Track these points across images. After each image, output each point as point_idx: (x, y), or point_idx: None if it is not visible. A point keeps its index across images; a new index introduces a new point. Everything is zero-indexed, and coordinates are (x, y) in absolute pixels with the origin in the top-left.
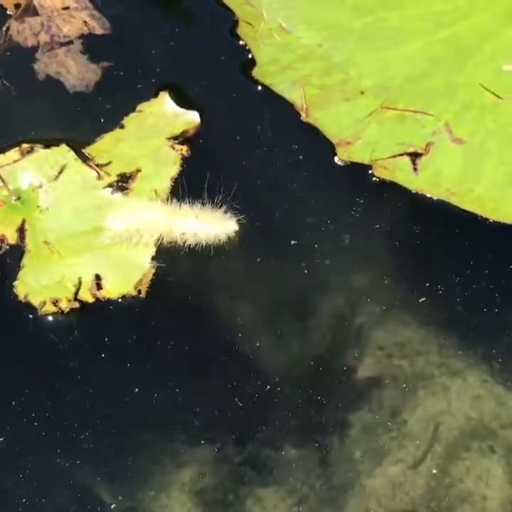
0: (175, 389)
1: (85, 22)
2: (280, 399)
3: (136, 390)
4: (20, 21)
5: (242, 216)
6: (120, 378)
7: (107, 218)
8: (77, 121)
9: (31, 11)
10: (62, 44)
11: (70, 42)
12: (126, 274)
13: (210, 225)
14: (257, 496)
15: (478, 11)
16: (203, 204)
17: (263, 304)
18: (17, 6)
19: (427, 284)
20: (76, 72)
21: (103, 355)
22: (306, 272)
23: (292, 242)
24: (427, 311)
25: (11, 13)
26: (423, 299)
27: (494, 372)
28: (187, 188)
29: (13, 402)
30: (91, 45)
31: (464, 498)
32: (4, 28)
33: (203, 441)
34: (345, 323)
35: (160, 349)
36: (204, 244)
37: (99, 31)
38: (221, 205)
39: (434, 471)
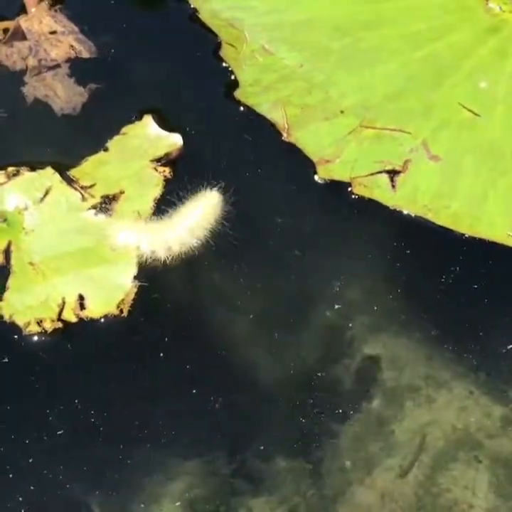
0: (164, 402)
1: (72, 46)
2: (270, 410)
3: (124, 404)
4: (9, 45)
5: (227, 227)
6: (108, 394)
7: (110, 233)
8: (63, 144)
9: (19, 35)
10: (49, 68)
11: (58, 65)
12: (108, 294)
13: (198, 209)
14: (248, 507)
15: (455, 30)
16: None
17: (250, 316)
18: (5, 30)
19: (409, 298)
20: (63, 95)
21: (89, 373)
22: (289, 285)
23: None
24: (410, 319)
25: None
26: (403, 315)
27: (480, 383)
28: (170, 209)
29: (3, 417)
30: (78, 69)
31: (451, 507)
32: None
33: (194, 453)
34: (335, 336)
35: (147, 365)
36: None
37: (85, 55)
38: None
39: (421, 480)
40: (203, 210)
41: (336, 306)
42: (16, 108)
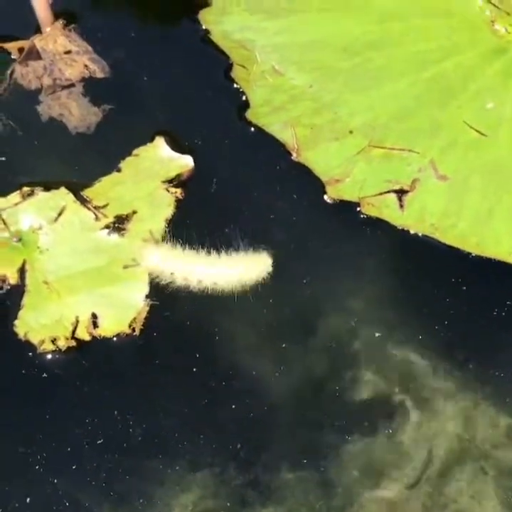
0: (174, 416)
1: (86, 66)
2: (279, 422)
3: (136, 419)
4: (24, 65)
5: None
6: (120, 409)
7: (145, 251)
8: (77, 163)
9: (34, 55)
10: (64, 87)
11: (72, 85)
12: (120, 313)
13: (242, 268)
14: None
15: (462, 50)
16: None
17: (260, 330)
18: (21, 50)
19: (415, 313)
20: (78, 114)
21: (102, 390)
22: (299, 300)
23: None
24: (419, 336)
25: (15, 57)
26: (410, 330)
27: (486, 394)
28: (182, 229)
29: (18, 433)
30: (92, 88)
31: None
32: (9, 72)
33: (204, 465)
34: (342, 349)
35: (158, 381)
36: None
37: (99, 75)
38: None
39: (429, 491)
40: (246, 270)
41: (344, 321)
42: (31, 126)
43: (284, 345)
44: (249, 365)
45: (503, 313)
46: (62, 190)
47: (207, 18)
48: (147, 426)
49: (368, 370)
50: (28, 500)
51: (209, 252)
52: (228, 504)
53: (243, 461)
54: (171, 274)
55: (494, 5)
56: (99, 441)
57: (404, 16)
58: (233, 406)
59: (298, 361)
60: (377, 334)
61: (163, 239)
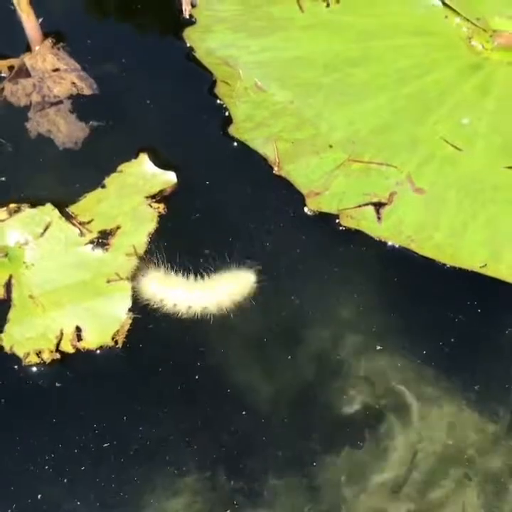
0: (161, 425)
1: (74, 83)
2: (267, 429)
3: (123, 427)
4: (14, 82)
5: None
6: (106, 418)
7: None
8: (63, 180)
9: (24, 72)
10: (52, 104)
11: (60, 102)
12: (104, 326)
13: (228, 288)
14: None
15: (439, 67)
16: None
17: (244, 341)
18: (11, 68)
19: (396, 321)
20: (66, 130)
21: (86, 401)
22: (282, 308)
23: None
24: (402, 344)
25: (5, 74)
26: (392, 337)
27: (470, 401)
28: (163, 244)
29: (4, 443)
30: (79, 105)
31: None
32: None
33: (194, 471)
34: (329, 356)
35: (142, 391)
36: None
37: (87, 92)
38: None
39: (413, 497)
40: (233, 291)
41: (325, 330)
42: (20, 143)
43: (268, 355)
44: (232, 375)
45: (478, 321)
46: (48, 206)
47: (191, 36)
48: (133, 434)
49: (352, 375)
50: (14, 507)
51: (195, 273)
52: (218, 509)
53: (230, 469)
54: (161, 300)
55: (471, 22)
56: (83, 450)
57: (384, 35)
58: (216, 414)
59: (282, 371)
60: (357, 340)
61: (148, 256)
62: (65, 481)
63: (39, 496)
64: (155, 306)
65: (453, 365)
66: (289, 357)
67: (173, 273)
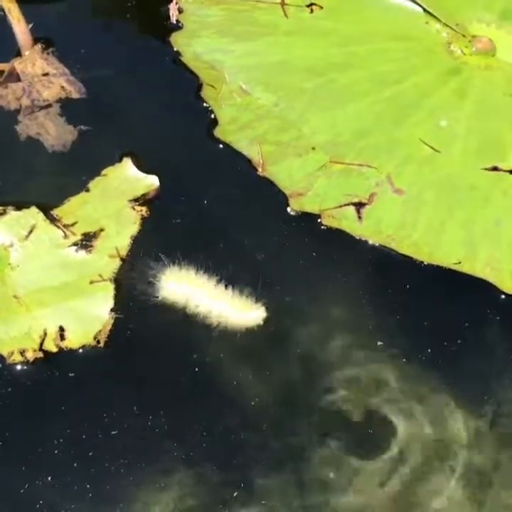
0: (147, 422)
1: (63, 87)
2: (256, 425)
3: (108, 425)
4: (4, 87)
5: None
6: (90, 416)
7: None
8: (49, 183)
9: (14, 77)
10: (42, 107)
11: (49, 105)
12: (86, 326)
13: (239, 313)
14: None
15: (419, 71)
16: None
17: (228, 339)
18: (1, 72)
19: (379, 318)
20: (54, 133)
21: (70, 399)
22: (265, 306)
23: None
24: (387, 341)
25: None
26: (380, 342)
27: (455, 396)
28: (147, 247)
29: None
30: (68, 108)
31: None
32: None
33: (184, 466)
34: (316, 355)
35: (126, 390)
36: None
37: (75, 95)
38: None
39: (399, 490)
40: (241, 319)
41: (310, 327)
42: (9, 146)
43: (253, 352)
44: (217, 374)
45: (454, 316)
46: (33, 209)
47: (178, 41)
48: (119, 431)
49: (339, 374)
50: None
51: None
52: (208, 503)
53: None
54: (187, 300)
55: (451, 28)
56: (67, 447)
57: (366, 40)
58: (199, 413)
59: (268, 369)
60: (342, 338)
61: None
62: (50, 478)
63: (23, 493)
64: (178, 305)
65: (434, 360)
66: (273, 355)
67: (200, 274)
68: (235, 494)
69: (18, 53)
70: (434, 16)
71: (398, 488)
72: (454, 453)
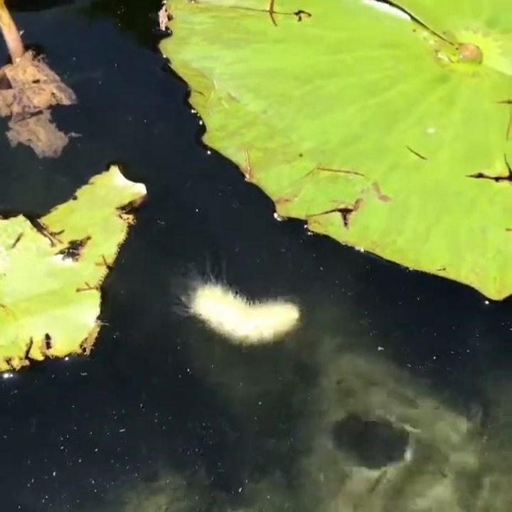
0: (135, 427)
1: (53, 94)
2: (247, 428)
3: (97, 430)
4: None
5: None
6: (78, 422)
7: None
8: (37, 191)
9: (5, 84)
10: (32, 114)
11: (40, 112)
12: (72, 334)
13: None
14: None
15: (407, 79)
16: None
17: (217, 344)
18: None
19: (367, 321)
20: (45, 139)
21: (56, 406)
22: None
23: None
24: (376, 344)
25: None
26: (365, 337)
27: (445, 400)
28: (134, 254)
29: None
30: (59, 115)
31: None
32: None
33: (176, 468)
34: (307, 358)
35: (113, 396)
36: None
37: (66, 102)
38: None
39: (390, 493)
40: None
41: (299, 331)
42: (0, 152)
43: (243, 355)
44: (205, 378)
45: (438, 318)
46: (20, 217)
47: (167, 48)
48: (108, 436)
49: (329, 376)
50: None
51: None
52: (198, 506)
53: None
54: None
55: (438, 35)
56: (54, 454)
57: (353, 48)
58: (187, 417)
59: (258, 373)
60: (332, 341)
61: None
62: (38, 484)
63: (11, 498)
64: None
65: (418, 364)
66: (262, 359)
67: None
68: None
69: (9, 60)
70: (422, 24)
71: (388, 490)
72: (444, 455)
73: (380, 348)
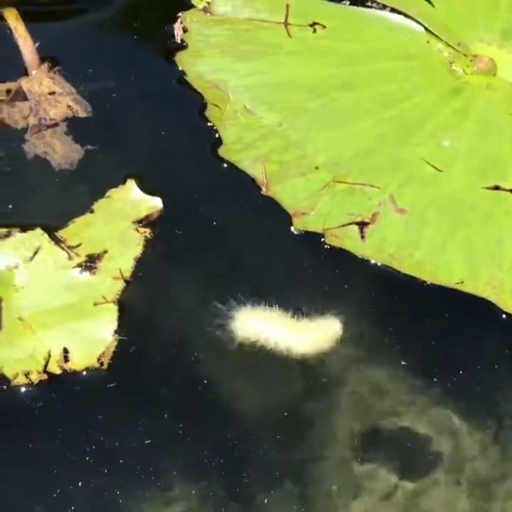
0: (152, 440)
1: (69, 106)
2: (259, 440)
3: (113, 443)
4: (11, 105)
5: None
6: (95, 435)
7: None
8: (54, 205)
9: (21, 96)
10: (48, 126)
11: (56, 124)
12: (90, 348)
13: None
14: None
15: (421, 91)
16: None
17: (230, 358)
18: (8, 91)
19: (383, 334)
20: (61, 151)
21: (74, 419)
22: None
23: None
24: (389, 356)
25: (2, 98)
26: (379, 350)
27: (458, 409)
28: (151, 268)
29: None
30: (75, 127)
31: None
32: None
33: (189, 480)
34: (319, 369)
35: (132, 409)
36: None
37: (82, 114)
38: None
39: (404, 503)
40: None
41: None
42: (17, 164)
43: (254, 366)
44: (221, 390)
45: (455, 332)
46: (38, 230)
47: (183, 60)
48: (125, 448)
49: (342, 387)
50: None
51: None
52: None
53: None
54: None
55: (452, 47)
56: (71, 467)
57: (368, 60)
58: (204, 429)
59: (270, 385)
60: (346, 354)
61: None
62: (54, 496)
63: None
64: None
65: (436, 377)
66: (276, 371)
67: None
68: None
69: (25, 72)
70: (436, 36)
71: (403, 501)
72: (461, 465)
73: (403, 363)
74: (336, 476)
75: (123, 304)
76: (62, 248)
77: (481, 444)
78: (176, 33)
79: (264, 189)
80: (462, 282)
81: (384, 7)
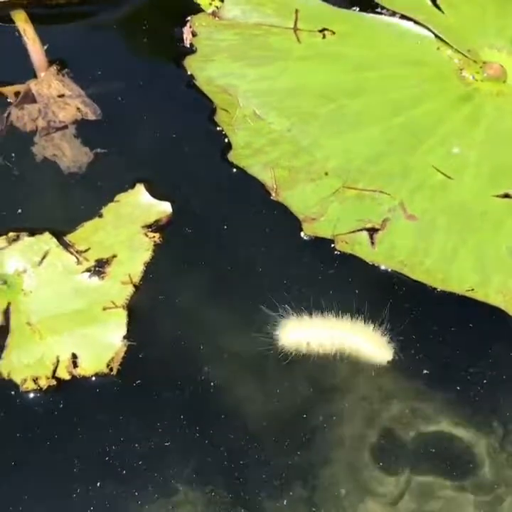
0: (159, 445)
1: (79, 108)
2: (266, 443)
3: (120, 448)
4: (20, 108)
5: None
6: (102, 440)
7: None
8: (62, 209)
9: (30, 98)
10: (57, 129)
11: (65, 127)
12: (99, 353)
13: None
14: None
15: (431, 98)
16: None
17: (239, 364)
18: (17, 94)
19: (392, 341)
20: (70, 154)
21: (82, 425)
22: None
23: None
24: (399, 361)
25: (11, 100)
26: (394, 365)
27: (466, 416)
28: (160, 273)
29: (4, 468)
30: (84, 130)
31: None
32: (5, 115)
33: (194, 485)
34: (327, 372)
35: (138, 415)
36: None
37: (91, 117)
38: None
39: (412, 508)
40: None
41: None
42: (25, 167)
43: (258, 371)
44: (227, 396)
45: (467, 342)
46: (46, 235)
47: (192, 65)
48: (132, 454)
49: (349, 393)
50: None
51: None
52: None
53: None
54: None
55: (462, 54)
56: (79, 473)
57: (377, 66)
58: (214, 434)
59: (276, 392)
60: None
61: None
62: (63, 500)
63: None
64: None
65: (446, 384)
66: (284, 380)
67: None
68: None
69: (34, 74)
70: (446, 42)
71: (410, 505)
72: (468, 471)
73: (425, 371)
74: None
75: (132, 309)
76: (71, 253)
77: (490, 449)
78: (184, 37)
79: (273, 194)
80: (473, 290)
81: (394, 14)
